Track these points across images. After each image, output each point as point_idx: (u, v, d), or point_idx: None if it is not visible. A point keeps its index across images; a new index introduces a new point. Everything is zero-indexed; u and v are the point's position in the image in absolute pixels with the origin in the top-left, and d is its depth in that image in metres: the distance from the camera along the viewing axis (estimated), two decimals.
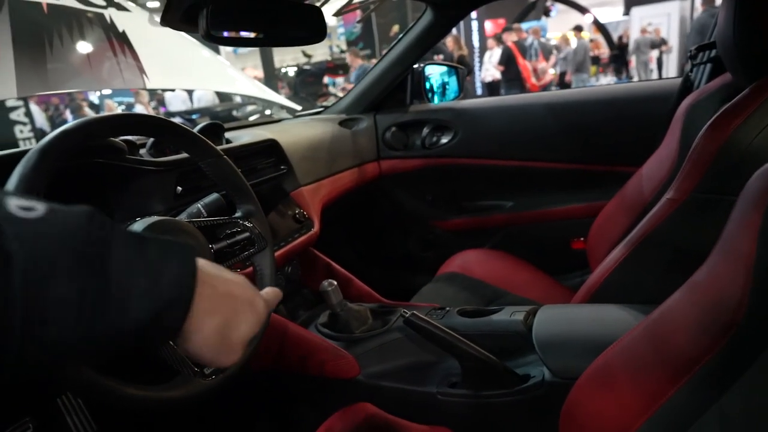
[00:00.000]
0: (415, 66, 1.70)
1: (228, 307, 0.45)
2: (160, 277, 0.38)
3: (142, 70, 1.54)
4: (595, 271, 1.03)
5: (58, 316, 0.32)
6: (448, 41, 7.46)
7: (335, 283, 1.05)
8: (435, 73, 1.81)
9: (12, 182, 0.59)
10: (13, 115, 6.77)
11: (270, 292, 0.56)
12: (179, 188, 0.93)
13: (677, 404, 0.50)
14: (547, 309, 0.93)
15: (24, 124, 6.60)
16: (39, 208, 0.33)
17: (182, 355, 0.67)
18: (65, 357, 0.35)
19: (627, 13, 11.67)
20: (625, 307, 0.84)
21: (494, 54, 8.07)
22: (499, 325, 0.95)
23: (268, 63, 10.58)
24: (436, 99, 1.80)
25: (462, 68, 1.88)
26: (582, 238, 1.55)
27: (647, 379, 0.53)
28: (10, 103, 6.71)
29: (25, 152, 0.62)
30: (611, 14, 13.75)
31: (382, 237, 1.95)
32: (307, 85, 9.80)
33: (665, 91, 1.38)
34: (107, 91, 7.67)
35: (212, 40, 0.90)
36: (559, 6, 12.86)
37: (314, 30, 0.96)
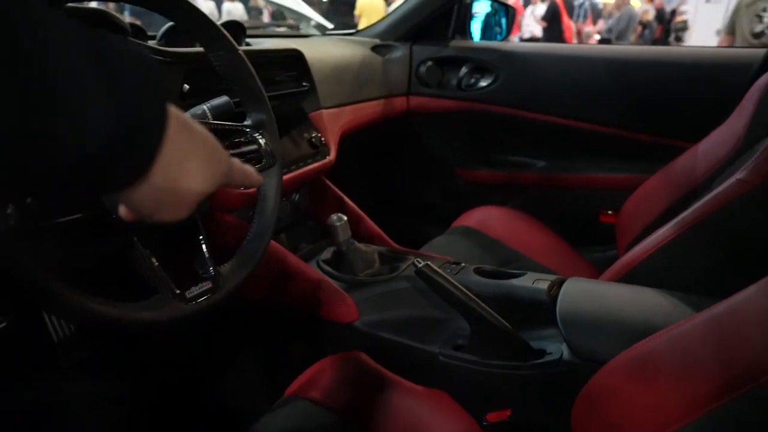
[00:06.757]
0: None
1: (186, 147, 0.36)
2: (121, 81, 0.29)
3: None
4: (634, 248, 0.92)
5: None
6: None
7: (345, 218, 0.97)
8: (483, 9, 1.66)
9: None
10: None
11: (248, 167, 0.49)
12: (186, 86, 0.82)
13: (730, 415, 0.41)
14: (575, 282, 0.84)
15: None
16: None
17: (163, 273, 0.58)
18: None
19: None
20: (671, 294, 0.74)
21: (537, 8, 7.62)
22: (519, 292, 0.86)
23: None
24: (479, 37, 1.66)
25: (513, 8, 1.72)
26: (613, 212, 1.44)
27: (698, 380, 0.45)
28: None
29: None
30: None
31: (400, 178, 1.84)
32: (340, 15, 9.42)
33: (743, 62, 1.23)
34: None
35: None
36: None
37: None
